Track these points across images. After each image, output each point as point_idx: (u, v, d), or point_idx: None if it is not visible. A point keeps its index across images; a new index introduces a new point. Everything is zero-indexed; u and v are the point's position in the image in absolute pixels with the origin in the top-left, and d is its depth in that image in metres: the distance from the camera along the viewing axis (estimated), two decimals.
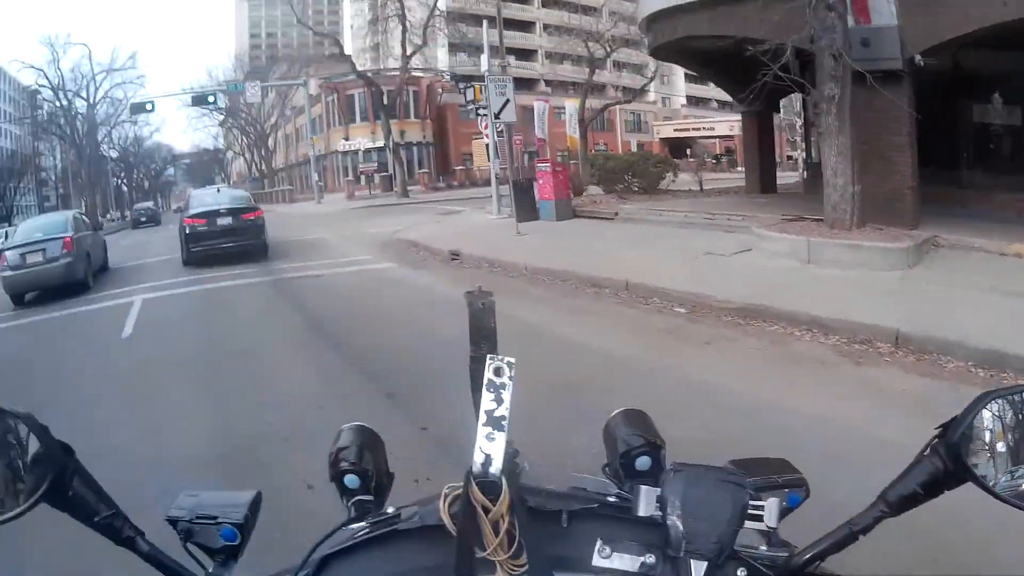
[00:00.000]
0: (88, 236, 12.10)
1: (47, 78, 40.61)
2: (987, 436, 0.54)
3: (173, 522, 0.59)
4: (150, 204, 44.86)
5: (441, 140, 44.48)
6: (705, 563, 0.53)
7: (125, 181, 67.55)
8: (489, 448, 0.54)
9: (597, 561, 0.56)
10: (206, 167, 74.60)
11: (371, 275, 10.05)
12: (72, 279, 10.64)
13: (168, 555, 0.58)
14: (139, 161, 65.13)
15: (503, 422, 0.54)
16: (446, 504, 0.55)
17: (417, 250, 11.78)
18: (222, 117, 53.43)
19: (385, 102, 29.53)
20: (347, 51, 34.53)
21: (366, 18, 30.41)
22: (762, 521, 0.56)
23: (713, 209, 11.54)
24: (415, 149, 41.68)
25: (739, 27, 9.12)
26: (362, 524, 0.62)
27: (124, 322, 8.04)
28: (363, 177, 37.90)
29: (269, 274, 10.73)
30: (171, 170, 79.07)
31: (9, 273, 10.26)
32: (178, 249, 12.51)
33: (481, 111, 15.07)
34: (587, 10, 38.39)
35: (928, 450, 0.56)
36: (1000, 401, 0.55)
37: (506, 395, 0.55)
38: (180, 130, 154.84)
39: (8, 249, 10.72)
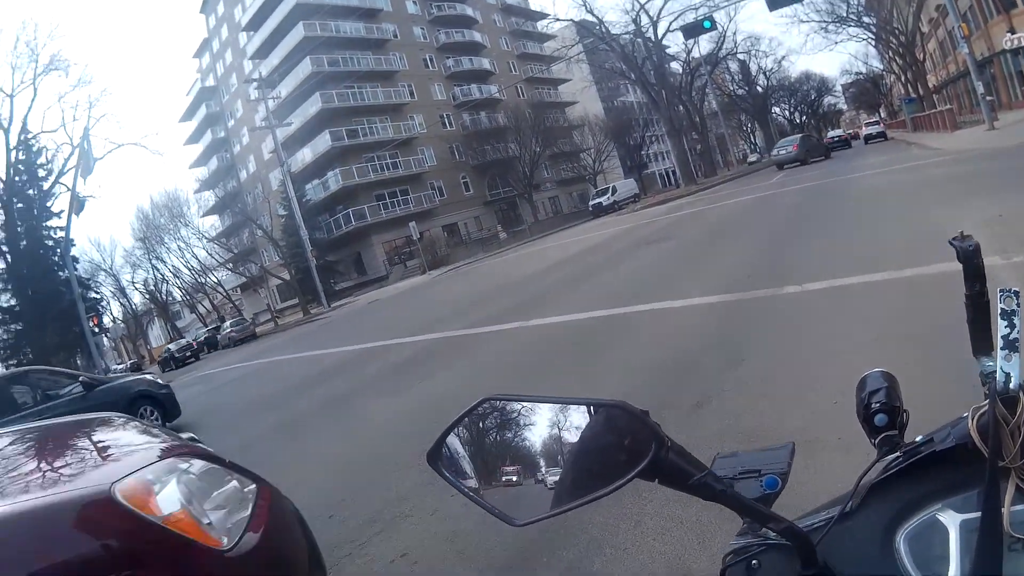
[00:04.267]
0: (807, 144, 33.20)
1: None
2: None
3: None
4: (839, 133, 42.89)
5: None
6: None
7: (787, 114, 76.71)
8: (1008, 368, 0.62)
9: None
10: (868, 93, 77.44)
11: None
12: (798, 159, 31.07)
13: (753, 501, 0.64)
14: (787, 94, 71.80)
15: (1016, 344, 0.62)
16: (974, 422, 0.62)
17: None
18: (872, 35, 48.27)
19: None
20: None
21: None
22: None
23: None
24: None
25: None
26: (895, 455, 0.69)
27: None
28: None
29: None
30: (830, 99, 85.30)
31: (773, 157, 36.26)
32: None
33: None
34: None
35: None
36: None
37: (1017, 321, 0.62)
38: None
39: (773, 149, 39.57)
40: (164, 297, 56.36)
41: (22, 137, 25.83)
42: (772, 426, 3.02)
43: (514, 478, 0.64)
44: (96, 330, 26.34)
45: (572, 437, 0.62)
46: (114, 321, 57.72)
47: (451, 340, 8.35)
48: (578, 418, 0.62)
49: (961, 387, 2.66)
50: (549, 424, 0.63)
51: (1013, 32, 27.11)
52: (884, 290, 4.77)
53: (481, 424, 0.67)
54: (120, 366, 49.86)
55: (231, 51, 52.96)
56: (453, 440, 0.67)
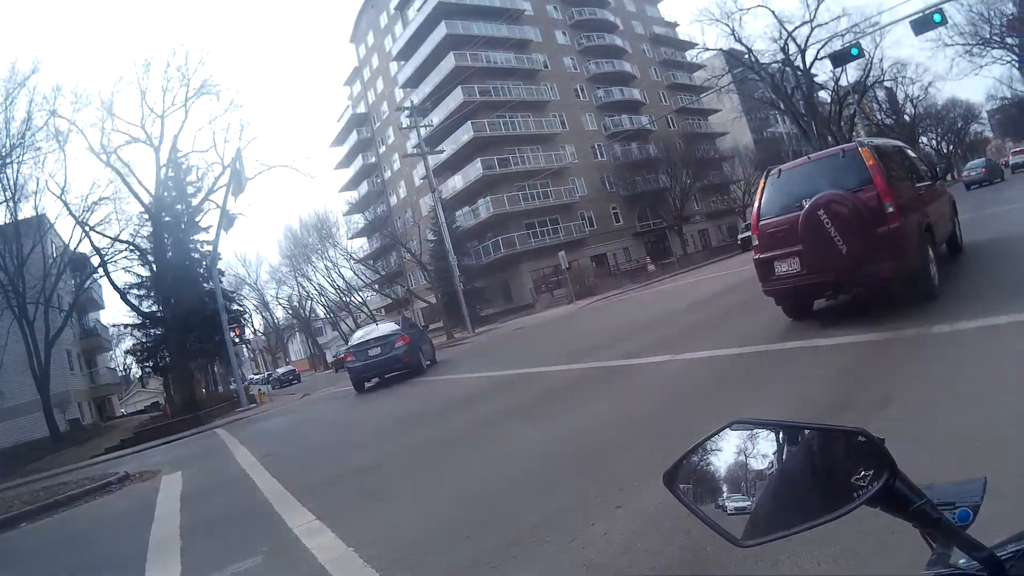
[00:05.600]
0: (990, 166, 28.91)
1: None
2: None
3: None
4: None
5: None
6: None
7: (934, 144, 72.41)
8: None
9: None
10: (1014, 119, 70.59)
11: None
12: (985, 180, 26.08)
13: (960, 529, 0.64)
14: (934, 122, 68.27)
15: None
16: None
17: None
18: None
19: None
20: None
21: None
22: None
23: None
24: None
25: None
26: None
27: None
28: None
29: None
30: (976, 127, 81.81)
31: (964, 179, 26.95)
32: None
33: None
34: None
35: None
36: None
37: None
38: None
39: (963, 171, 28.88)
40: (307, 313, 59.10)
41: (172, 156, 26.97)
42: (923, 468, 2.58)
43: (742, 499, 0.65)
44: (237, 340, 27.32)
45: (804, 460, 0.63)
46: (255, 334, 61.15)
47: (598, 371, 8.03)
48: (813, 442, 0.64)
49: None
50: (782, 448, 0.63)
51: None
52: None
53: (719, 447, 0.67)
54: (257, 376, 52.88)
55: (382, 79, 55.35)
56: (692, 461, 0.68)
